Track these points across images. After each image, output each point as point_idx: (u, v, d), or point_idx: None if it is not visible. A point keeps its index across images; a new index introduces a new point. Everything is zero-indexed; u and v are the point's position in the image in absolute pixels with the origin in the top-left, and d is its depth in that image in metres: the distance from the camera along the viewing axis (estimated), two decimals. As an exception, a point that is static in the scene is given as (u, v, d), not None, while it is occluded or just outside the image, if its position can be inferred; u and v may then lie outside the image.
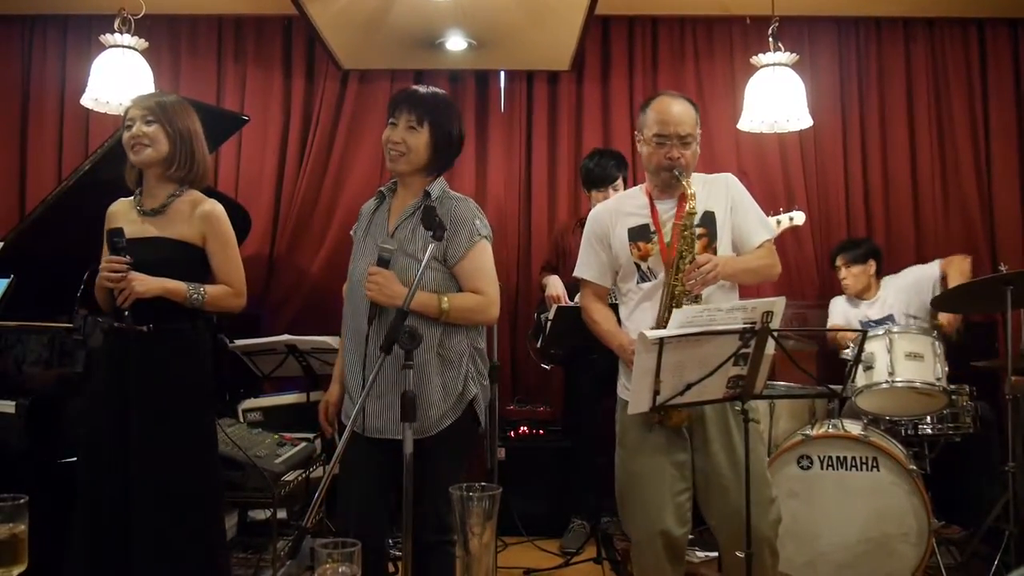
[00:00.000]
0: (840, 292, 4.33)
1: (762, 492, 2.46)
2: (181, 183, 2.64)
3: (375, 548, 2.07)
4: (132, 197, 2.67)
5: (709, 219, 2.57)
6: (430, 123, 2.41)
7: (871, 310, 4.14)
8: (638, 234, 2.61)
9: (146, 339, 2.52)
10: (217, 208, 2.65)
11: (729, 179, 2.68)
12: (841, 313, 4.25)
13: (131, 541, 2.46)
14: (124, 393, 2.49)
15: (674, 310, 2.30)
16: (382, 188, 2.55)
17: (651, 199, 2.63)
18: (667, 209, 2.59)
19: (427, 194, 2.44)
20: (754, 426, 2.51)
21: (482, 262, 2.41)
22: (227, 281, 2.62)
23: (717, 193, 2.61)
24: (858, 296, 4.20)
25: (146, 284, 2.47)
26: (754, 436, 2.49)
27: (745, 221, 2.62)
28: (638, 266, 2.60)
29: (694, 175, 2.64)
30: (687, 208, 2.48)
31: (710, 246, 2.56)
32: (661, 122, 2.55)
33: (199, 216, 2.62)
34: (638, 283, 2.60)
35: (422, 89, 2.47)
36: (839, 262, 4.21)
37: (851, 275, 4.16)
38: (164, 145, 2.59)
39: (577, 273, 2.78)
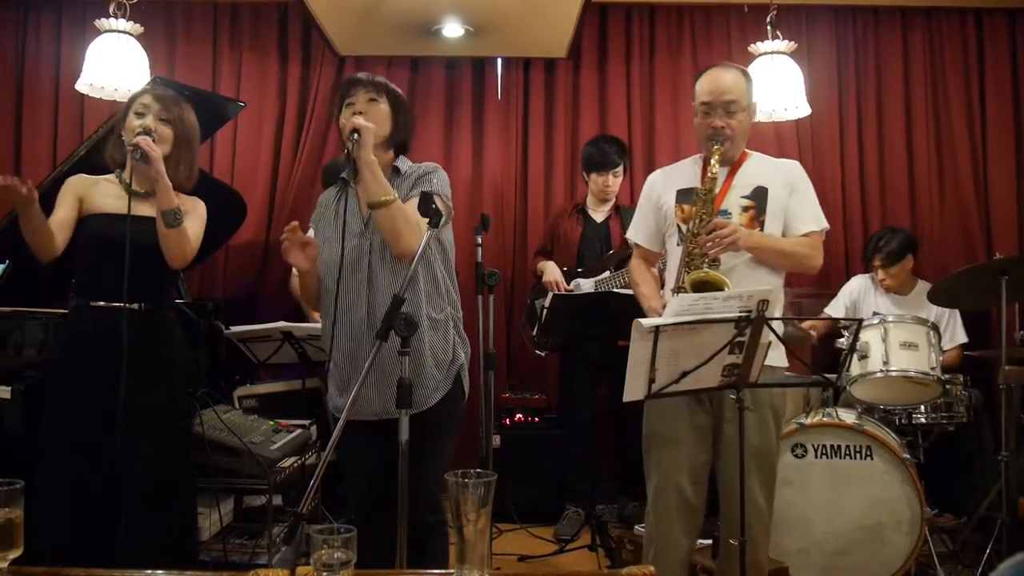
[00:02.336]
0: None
1: (763, 464, 2.51)
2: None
3: (387, 526, 2.09)
4: (110, 176, 2.70)
5: (760, 194, 2.57)
6: (387, 95, 2.49)
7: (896, 306, 4.09)
8: (683, 196, 2.63)
9: (132, 319, 2.56)
10: (201, 202, 2.78)
11: (795, 165, 2.70)
12: (850, 294, 4.22)
13: (118, 514, 2.50)
14: (104, 371, 2.50)
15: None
16: (343, 175, 2.55)
17: (704, 166, 2.62)
18: (720, 179, 2.57)
19: (396, 169, 2.48)
20: (771, 402, 2.53)
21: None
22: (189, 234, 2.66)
23: (778, 173, 2.62)
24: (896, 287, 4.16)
25: (163, 170, 2.53)
26: (768, 412, 2.52)
27: (798, 207, 2.60)
28: (679, 227, 2.61)
29: (759, 155, 2.69)
30: (708, 173, 2.51)
31: (757, 219, 2.56)
32: (706, 90, 2.58)
33: (184, 202, 2.69)
34: (677, 244, 2.61)
35: (368, 75, 2.53)
36: (876, 262, 4.13)
37: (889, 276, 4.11)
38: (169, 147, 2.65)
39: (628, 235, 2.86)
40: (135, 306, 2.58)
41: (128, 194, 2.56)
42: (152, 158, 2.50)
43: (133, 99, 2.69)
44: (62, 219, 2.64)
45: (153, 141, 2.56)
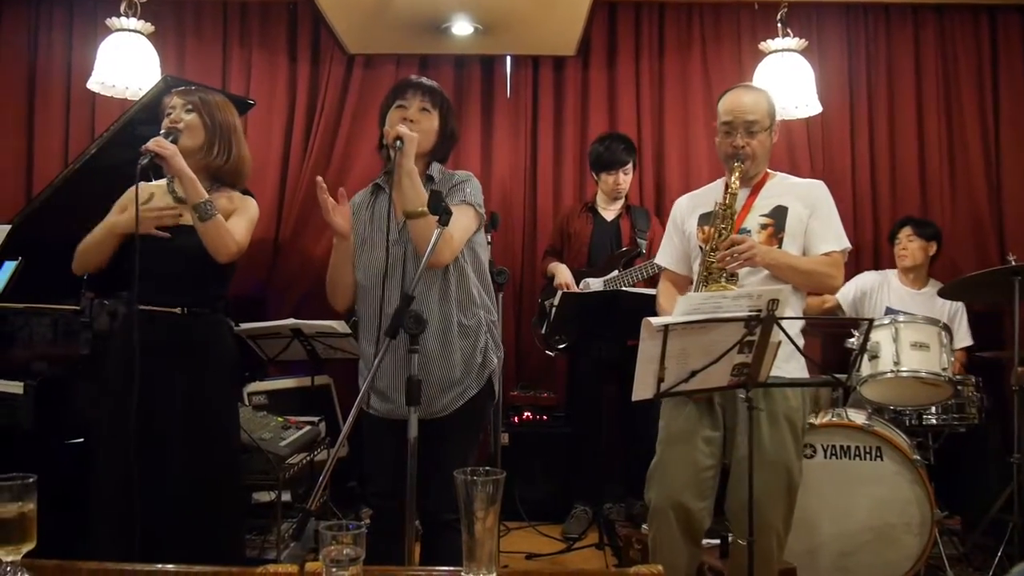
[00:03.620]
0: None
1: (779, 482, 2.49)
2: (217, 179, 2.65)
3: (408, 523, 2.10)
4: (162, 181, 2.70)
5: (779, 212, 2.58)
6: (440, 110, 2.47)
7: (911, 300, 4.09)
8: (705, 218, 2.65)
9: (176, 321, 2.57)
10: (253, 200, 2.75)
11: (817, 186, 2.69)
12: (859, 286, 4.20)
13: (161, 520, 2.48)
14: (153, 373, 2.48)
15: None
16: (377, 180, 2.55)
17: (727, 191, 2.63)
18: (741, 198, 2.60)
19: (430, 178, 2.46)
20: (788, 415, 2.52)
21: (456, 218, 2.33)
22: (234, 230, 2.61)
23: (798, 193, 2.62)
24: (906, 278, 4.15)
25: (183, 166, 2.49)
26: (784, 426, 2.51)
27: (819, 227, 2.60)
28: (701, 248, 2.62)
29: (783, 175, 2.71)
30: (728, 188, 2.53)
31: (775, 236, 2.56)
32: (728, 110, 2.60)
33: (235, 200, 2.69)
34: (700, 265, 2.62)
35: (427, 80, 2.51)
36: (905, 233, 4.13)
37: (912, 247, 4.10)
38: (200, 134, 2.62)
39: (656, 260, 2.89)
40: (176, 310, 2.58)
41: (135, 201, 2.49)
42: (165, 156, 2.47)
43: (164, 104, 2.69)
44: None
45: (176, 139, 2.55)
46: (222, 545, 2.61)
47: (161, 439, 2.49)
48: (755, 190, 2.63)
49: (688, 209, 2.75)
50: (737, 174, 2.54)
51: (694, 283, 2.60)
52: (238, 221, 2.65)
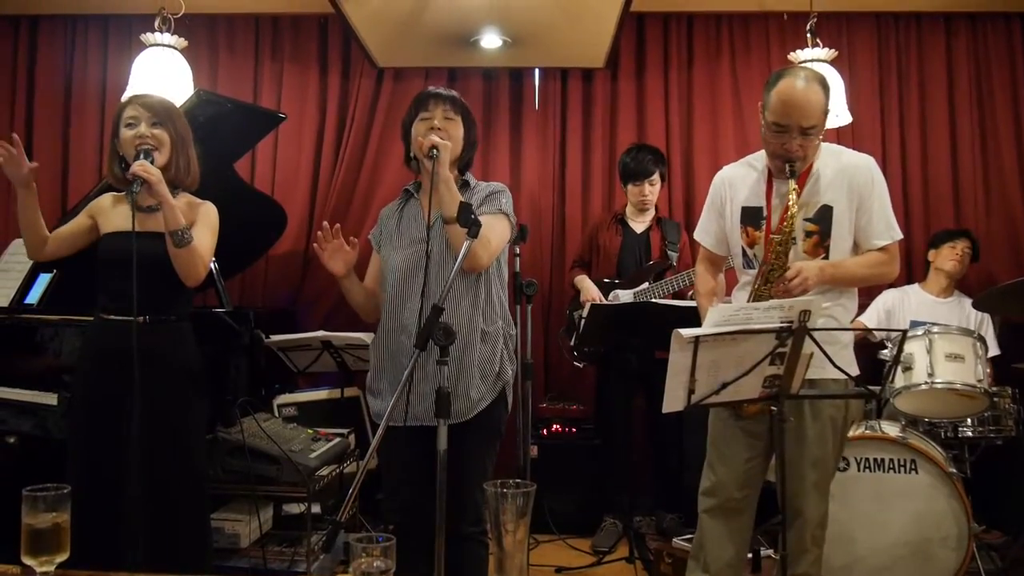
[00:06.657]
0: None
1: (817, 477, 2.49)
2: (174, 186, 2.64)
3: (426, 536, 2.10)
4: (115, 193, 2.71)
5: (825, 215, 2.45)
6: (463, 117, 2.52)
7: (934, 309, 4.06)
8: (750, 217, 2.54)
9: (140, 330, 2.53)
10: (212, 206, 2.72)
11: (864, 168, 2.49)
12: (883, 305, 4.16)
13: (122, 523, 2.47)
14: (117, 381, 2.48)
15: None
16: (408, 187, 2.60)
17: (770, 176, 2.52)
18: (784, 192, 2.43)
19: (466, 182, 2.52)
20: (831, 423, 2.49)
21: (493, 225, 2.43)
22: (202, 247, 2.60)
23: (844, 182, 2.46)
24: (937, 286, 4.13)
25: (166, 193, 2.49)
26: (827, 422, 2.48)
27: (869, 221, 2.47)
28: (744, 251, 2.56)
29: (828, 151, 2.54)
30: (785, 224, 2.39)
31: (821, 244, 2.46)
32: (783, 111, 2.36)
33: (195, 207, 2.68)
34: (744, 267, 2.58)
35: (445, 90, 2.55)
36: (964, 243, 4.12)
37: (966, 260, 4.10)
38: (168, 149, 2.62)
39: (696, 236, 2.79)
40: (138, 319, 2.52)
41: (132, 224, 2.49)
42: (152, 182, 2.46)
43: (120, 113, 2.65)
44: (62, 231, 2.69)
45: (151, 151, 2.54)
46: (181, 552, 2.58)
47: (119, 448, 2.46)
48: (800, 184, 2.45)
49: (728, 191, 2.60)
50: (794, 185, 2.37)
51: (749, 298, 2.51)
52: (203, 234, 2.64)
